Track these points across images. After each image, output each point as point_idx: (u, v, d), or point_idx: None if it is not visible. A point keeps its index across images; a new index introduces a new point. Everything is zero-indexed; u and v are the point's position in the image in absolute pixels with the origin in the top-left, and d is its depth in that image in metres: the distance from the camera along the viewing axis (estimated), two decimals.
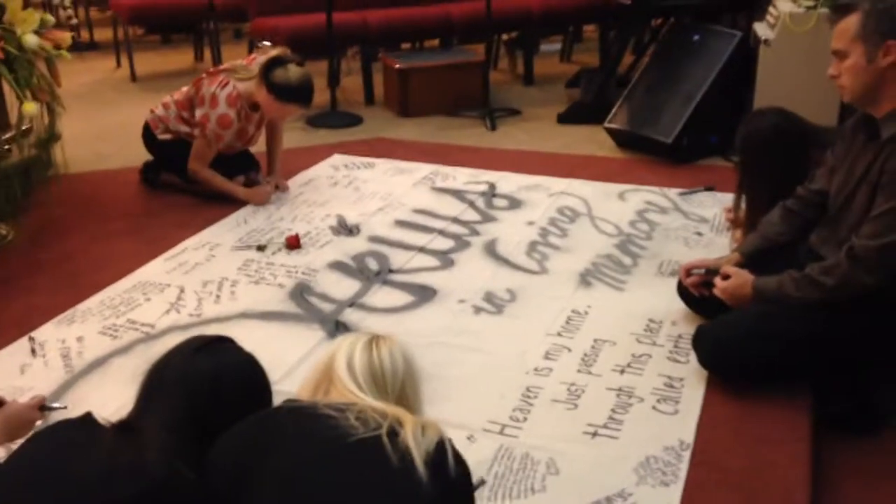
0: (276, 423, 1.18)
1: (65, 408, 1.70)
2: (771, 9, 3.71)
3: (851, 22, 1.87)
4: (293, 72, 3.12)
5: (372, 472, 1.10)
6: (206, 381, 1.27)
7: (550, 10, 5.20)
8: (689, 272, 2.31)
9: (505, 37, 5.72)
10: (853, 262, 1.88)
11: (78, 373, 2.18)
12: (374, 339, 1.30)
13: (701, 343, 2.10)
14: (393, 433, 1.13)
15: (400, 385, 1.27)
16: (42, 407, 1.60)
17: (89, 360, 2.24)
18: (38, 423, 1.57)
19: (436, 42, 5.60)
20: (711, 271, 2.25)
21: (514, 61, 5.66)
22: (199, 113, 3.19)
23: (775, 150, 2.44)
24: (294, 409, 1.20)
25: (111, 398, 1.96)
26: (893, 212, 1.83)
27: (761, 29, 3.69)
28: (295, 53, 3.26)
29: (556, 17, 5.38)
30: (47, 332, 2.36)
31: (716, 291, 2.16)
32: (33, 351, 2.27)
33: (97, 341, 2.32)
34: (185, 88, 3.31)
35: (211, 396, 1.26)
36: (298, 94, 3.16)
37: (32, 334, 2.34)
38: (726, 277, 2.15)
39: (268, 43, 4.67)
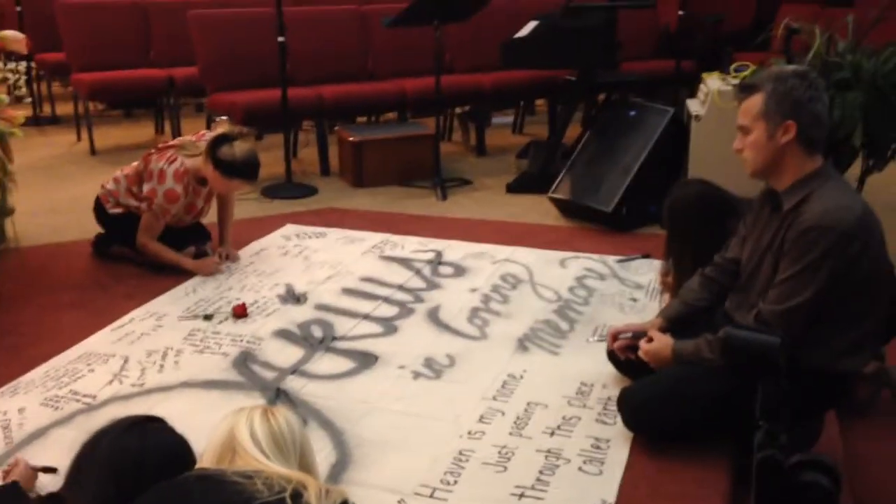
0: (183, 490, 1.24)
1: (55, 470, 1.89)
2: (702, 86, 3.94)
3: (756, 101, 2.01)
4: (239, 148, 3.24)
5: None
6: (132, 459, 1.34)
7: (501, 86, 5.43)
8: (616, 337, 2.41)
9: (458, 110, 5.93)
10: (760, 325, 1.99)
11: (17, 444, 2.19)
12: (268, 410, 1.39)
13: (623, 405, 2.19)
14: (297, 495, 1.19)
15: (300, 450, 1.35)
16: (44, 469, 1.87)
17: (30, 430, 2.25)
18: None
19: (392, 115, 5.79)
20: (638, 335, 2.35)
21: (466, 133, 5.85)
22: (146, 187, 3.28)
23: (698, 218, 2.58)
24: (202, 477, 1.26)
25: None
26: (794, 278, 1.96)
27: (693, 105, 3.90)
28: (251, 127, 3.39)
29: (507, 92, 5.62)
30: None
31: (640, 353, 2.26)
32: None
33: (38, 412, 2.34)
34: (135, 164, 3.41)
35: (135, 473, 1.32)
36: (243, 170, 3.27)
37: None
38: (650, 341, 2.26)
39: (225, 117, 4.82)
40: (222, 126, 3.37)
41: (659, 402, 2.09)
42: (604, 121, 4.33)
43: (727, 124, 3.61)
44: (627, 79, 5.00)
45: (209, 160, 3.23)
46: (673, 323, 2.33)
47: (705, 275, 2.34)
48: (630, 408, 2.16)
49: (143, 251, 3.35)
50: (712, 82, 3.80)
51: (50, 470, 1.90)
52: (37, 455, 2.13)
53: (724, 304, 2.28)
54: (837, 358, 2.00)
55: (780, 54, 3.70)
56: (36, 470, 1.84)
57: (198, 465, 1.38)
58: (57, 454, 2.07)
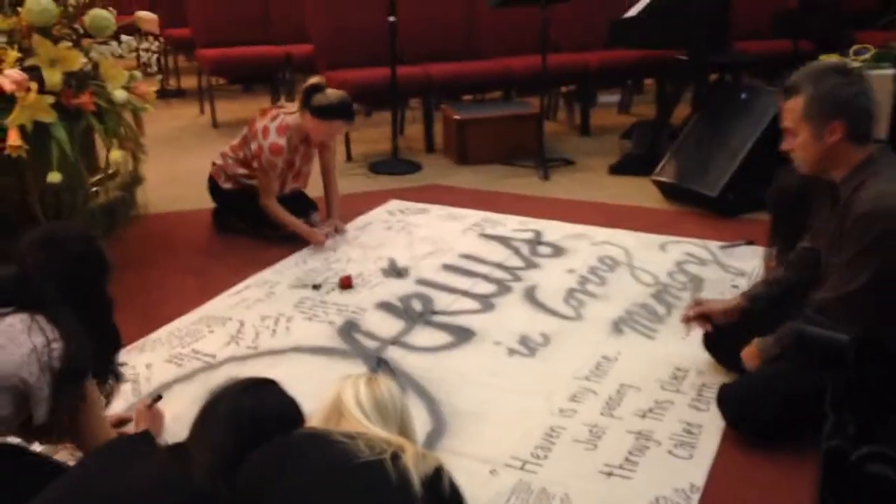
0: (294, 446, 1.36)
1: (160, 397, 2.29)
2: None
3: (798, 102, 2.00)
4: (331, 93, 3.42)
5: (373, 489, 1.26)
6: (249, 417, 1.46)
7: (608, 65, 5.37)
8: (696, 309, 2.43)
9: (563, 89, 5.91)
10: (817, 314, 1.99)
11: (144, 396, 2.41)
12: (374, 378, 1.50)
13: (723, 403, 2.21)
14: (396, 457, 1.30)
15: (400, 416, 1.45)
16: (153, 400, 2.25)
17: (155, 385, 2.47)
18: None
19: (498, 93, 5.83)
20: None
21: (571, 113, 5.84)
22: (253, 146, 3.48)
23: (801, 205, 2.53)
24: (311, 435, 1.39)
25: (172, 420, 2.19)
26: (849, 265, 1.95)
27: None
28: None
29: (613, 72, 5.55)
30: (125, 361, 2.61)
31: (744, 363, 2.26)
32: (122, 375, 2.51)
33: (163, 368, 2.56)
34: (240, 135, 3.63)
35: (251, 430, 1.44)
36: (339, 110, 3.43)
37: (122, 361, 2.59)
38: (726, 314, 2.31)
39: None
40: (313, 79, 3.53)
41: (758, 401, 2.10)
42: (713, 102, 4.24)
43: None
44: (741, 59, 4.85)
45: (306, 110, 3.41)
46: (755, 302, 2.33)
47: (789, 260, 2.34)
48: (729, 406, 2.18)
49: (265, 212, 3.55)
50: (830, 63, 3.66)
51: (157, 399, 2.26)
52: (162, 406, 2.34)
53: (806, 290, 2.24)
54: None
55: None
56: (146, 404, 2.20)
57: (307, 426, 1.51)
58: (179, 407, 2.28)
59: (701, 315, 2.42)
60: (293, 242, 3.53)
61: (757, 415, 2.11)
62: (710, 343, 2.48)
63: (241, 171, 3.59)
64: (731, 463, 2.06)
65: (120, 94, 2.98)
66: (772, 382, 2.10)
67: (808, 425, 2.11)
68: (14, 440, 1.80)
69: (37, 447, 1.93)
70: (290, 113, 3.50)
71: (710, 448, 2.11)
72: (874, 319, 1.91)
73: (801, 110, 1.99)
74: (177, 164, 4.80)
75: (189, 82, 6.97)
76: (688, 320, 2.45)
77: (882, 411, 1.89)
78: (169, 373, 2.53)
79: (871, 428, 1.15)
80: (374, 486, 1.27)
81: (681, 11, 4.38)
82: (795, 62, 5.10)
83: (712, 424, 2.20)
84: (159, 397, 2.28)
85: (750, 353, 2.22)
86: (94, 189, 3.33)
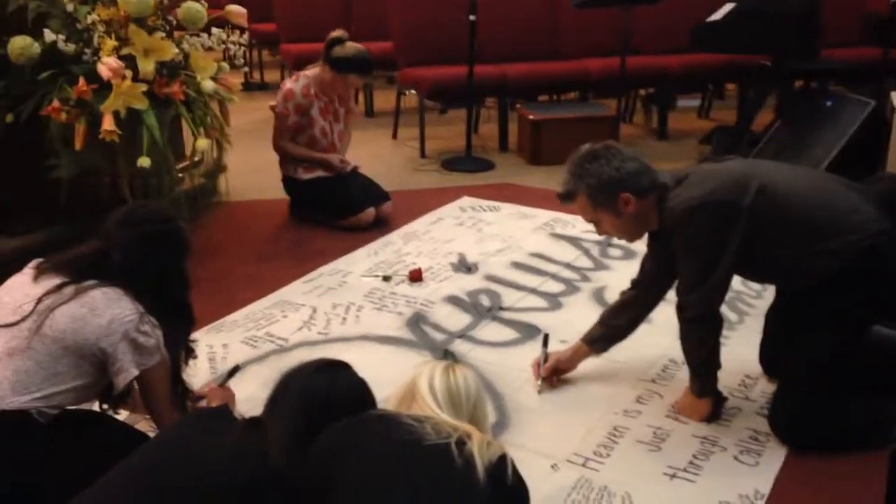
0: (364, 425, 1.41)
1: (237, 367, 2.40)
2: None
3: (583, 201, 2.15)
4: (350, 46, 3.52)
5: (438, 471, 1.30)
6: (321, 396, 1.51)
7: (688, 69, 5.30)
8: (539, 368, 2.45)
9: (642, 92, 5.85)
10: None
11: (220, 374, 2.50)
12: (451, 366, 1.53)
13: (774, 429, 2.18)
14: (461, 442, 1.33)
15: (472, 406, 1.48)
16: (229, 373, 2.34)
17: (231, 364, 2.56)
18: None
19: (573, 95, 5.81)
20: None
21: (649, 116, 5.77)
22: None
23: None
24: (381, 416, 1.44)
25: (244, 399, 2.27)
26: (686, 266, 2.12)
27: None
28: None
29: (694, 76, 5.47)
30: (197, 338, 2.71)
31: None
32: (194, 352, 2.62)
33: (239, 349, 2.65)
34: None
35: (323, 408, 1.49)
36: (355, 63, 3.53)
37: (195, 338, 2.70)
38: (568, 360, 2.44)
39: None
40: (335, 32, 3.61)
41: (807, 420, 2.10)
42: (797, 110, 4.14)
43: None
44: (827, 66, 4.73)
45: (325, 63, 3.51)
46: (593, 344, 2.41)
47: (624, 294, 2.42)
48: (780, 432, 2.16)
49: (281, 154, 3.70)
50: None
51: (234, 370, 2.36)
52: (234, 386, 2.42)
53: (643, 321, 2.40)
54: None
55: None
56: (224, 379, 2.29)
57: (382, 407, 1.55)
58: (252, 387, 2.36)
59: (550, 371, 2.42)
60: (365, 233, 3.60)
61: (809, 434, 2.10)
62: (763, 358, 2.46)
63: (287, 147, 3.72)
64: (798, 471, 2.02)
65: (208, 85, 3.09)
66: (811, 399, 2.09)
67: (869, 429, 2.09)
68: (98, 409, 1.91)
69: (122, 416, 2.03)
70: (311, 68, 3.65)
71: (777, 455, 2.08)
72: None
73: (590, 206, 2.15)
74: (259, 155, 4.92)
75: (272, 76, 7.16)
76: (545, 380, 2.43)
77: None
78: (243, 353, 2.62)
79: None
80: (438, 468, 1.31)
81: (768, 17, 4.28)
82: (884, 71, 4.98)
83: None
84: (237, 368, 2.37)
85: (689, 407, 2.25)
86: (180, 175, 3.46)
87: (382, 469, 1.32)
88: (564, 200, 2.20)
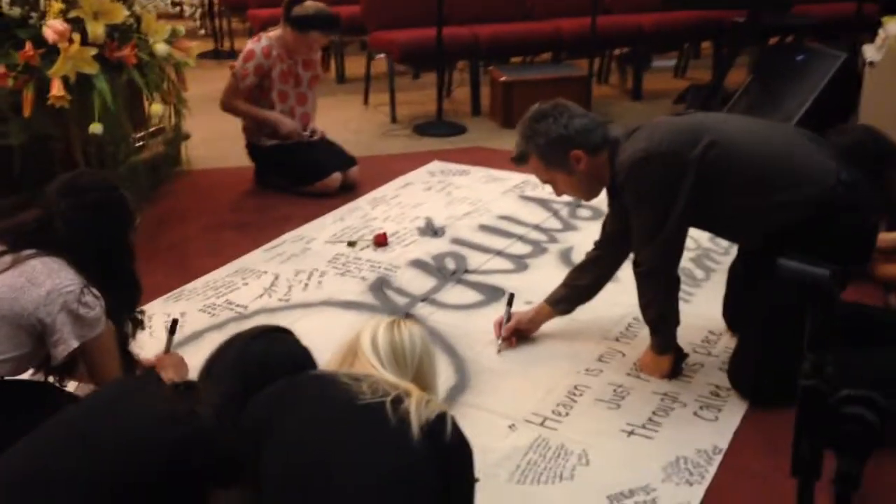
0: (297, 386, 1.37)
1: (176, 321, 2.29)
2: (880, 31, 3.62)
3: (535, 162, 2.14)
4: (309, 4, 3.44)
5: (370, 430, 1.26)
6: (257, 361, 1.47)
7: (662, 28, 5.22)
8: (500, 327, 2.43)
9: (617, 52, 5.77)
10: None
11: (176, 344, 2.44)
12: (396, 322, 1.47)
13: (733, 384, 2.16)
14: (397, 401, 1.29)
15: (417, 363, 1.43)
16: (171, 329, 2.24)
17: (188, 333, 2.51)
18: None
19: (547, 56, 5.72)
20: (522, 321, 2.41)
21: (624, 76, 5.70)
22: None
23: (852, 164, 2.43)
24: (315, 376, 1.39)
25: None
26: (640, 218, 2.09)
27: (869, 51, 3.61)
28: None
29: (668, 35, 5.39)
30: (156, 308, 2.66)
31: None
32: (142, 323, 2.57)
33: (197, 317, 2.61)
34: None
35: (259, 373, 1.45)
36: (315, 20, 3.46)
37: (143, 308, 2.65)
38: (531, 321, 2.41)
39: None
40: None
41: (764, 375, 2.06)
42: (769, 65, 4.09)
43: None
44: (801, 22, 4.67)
45: (286, 23, 3.45)
46: (557, 304, 2.39)
47: (588, 255, 2.40)
48: (739, 386, 2.14)
49: (228, 111, 3.63)
50: (892, 27, 3.49)
51: (174, 324, 2.27)
52: (191, 354, 2.36)
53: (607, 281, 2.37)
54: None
55: None
56: (168, 341, 2.23)
57: (322, 366, 1.51)
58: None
59: (511, 332, 2.40)
60: (332, 199, 3.54)
61: (767, 387, 2.07)
62: (727, 314, 2.44)
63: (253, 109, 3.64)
64: (758, 426, 2.00)
65: (161, 48, 3.02)
66: (770, 352, 2.05)
67: None
68: (43, 379, 1.86)
69: (70, 387, 1.99)
70: (273, 29, 3.57)
71: (737, 411, 2.06)
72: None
73: (542, 166, 2.13)
74: (224, 123, 4.83)
75: (242, 44, 7.00)
76: (505, 339, 2.40)
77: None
78: (201, 321, 2.58)
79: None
80: (370, 427, 1.27)
81: None
82: (859, 26, 4.92)
83: None
84: (175, 322, 2.29)
85: (650, 364, 2.23)
86: (139, 143, 3.39)
87: (313, 429, 1.28)
88: (518, 162, 2.18)
